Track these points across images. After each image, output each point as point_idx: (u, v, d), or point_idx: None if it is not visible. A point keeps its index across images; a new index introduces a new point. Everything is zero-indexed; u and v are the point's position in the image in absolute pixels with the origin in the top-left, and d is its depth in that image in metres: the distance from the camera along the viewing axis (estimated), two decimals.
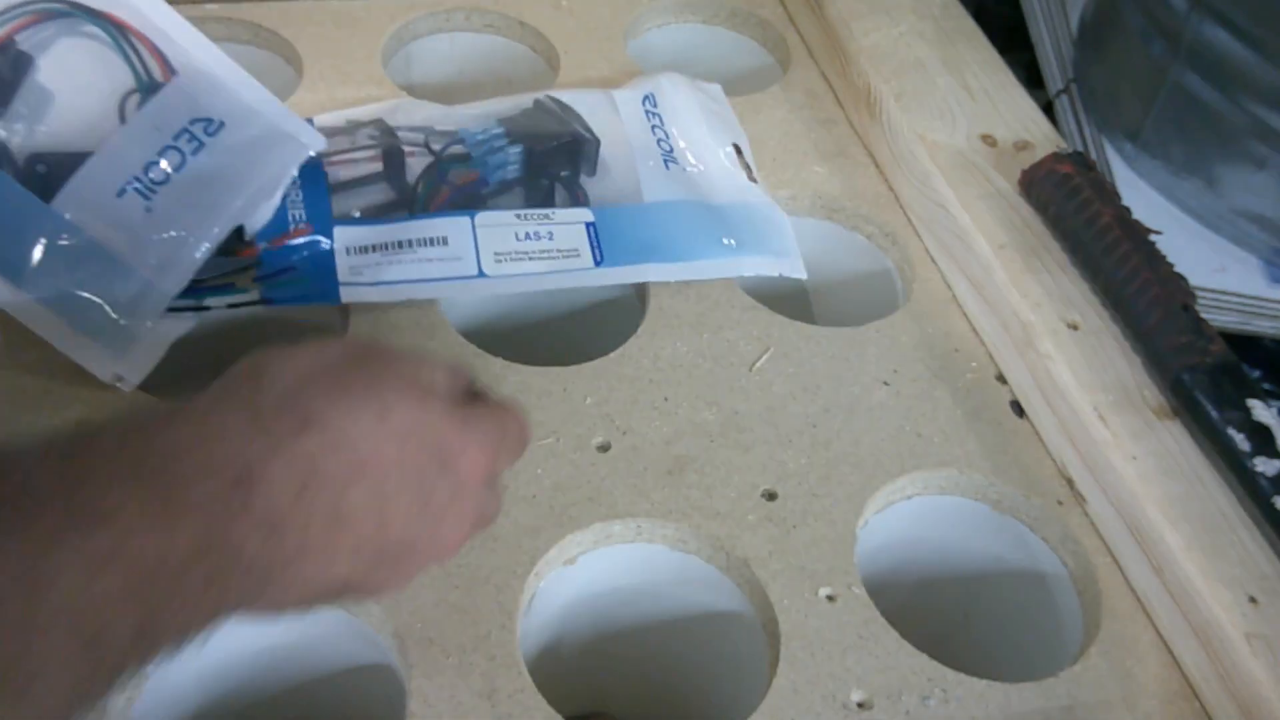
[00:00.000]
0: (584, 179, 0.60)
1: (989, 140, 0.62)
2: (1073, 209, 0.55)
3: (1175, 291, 0.51)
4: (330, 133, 0.58)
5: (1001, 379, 0.56)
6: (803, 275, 0.59)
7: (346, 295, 0.52)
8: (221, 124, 0.52)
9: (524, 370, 0.52)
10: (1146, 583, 0.47)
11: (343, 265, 0.53)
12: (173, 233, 0.50)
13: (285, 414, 0.33)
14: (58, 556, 0.28)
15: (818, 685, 0.43)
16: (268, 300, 0.52)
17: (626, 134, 0.61)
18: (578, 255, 0.56)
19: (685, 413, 0.52)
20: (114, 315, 0.49)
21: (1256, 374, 0.70)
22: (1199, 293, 0.53)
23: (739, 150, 0.63)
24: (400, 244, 0.53)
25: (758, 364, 0.55)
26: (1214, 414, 0.47)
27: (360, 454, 0.34)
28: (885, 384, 0.55)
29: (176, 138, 0.51)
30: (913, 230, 0.63)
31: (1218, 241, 0.71)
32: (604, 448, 0.50)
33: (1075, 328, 0.53)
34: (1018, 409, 0.55)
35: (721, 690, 0.53)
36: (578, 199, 0.59)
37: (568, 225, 0.57)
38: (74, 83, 0.51)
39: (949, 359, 0.57)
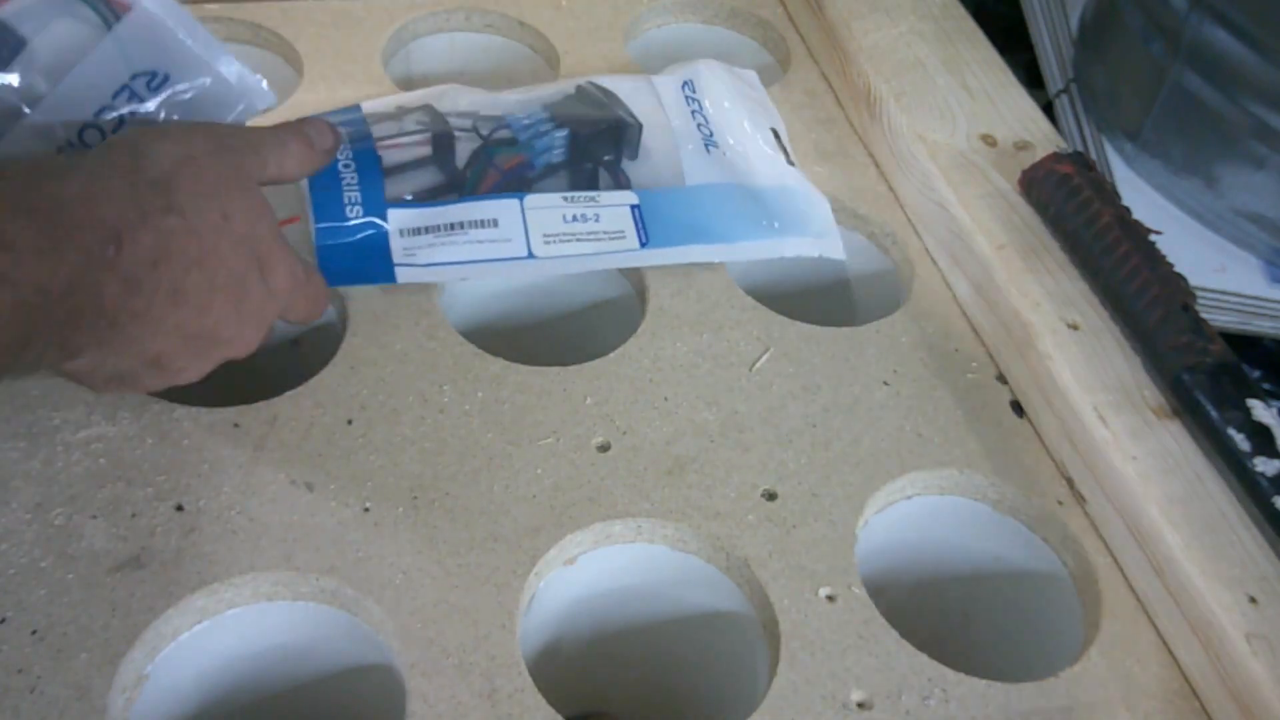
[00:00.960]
0: (626, 163, 0.60)
1: (989, 140, 0.62)
2: (1073, 209, 0.55)
3: (1175, 291, 0.51)
4: (378, 118, 0.59)
5: (1001, 379, 0.56)
6: (842, 256, 0.60)
7: (402, 276, 0.53)
8: (166, 77, 0.50)
9: (524, 370, 0.52)
10: (1146, 583, 0.47)
11: (396, 247, 0.54)
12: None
13: (157, 193, 0.39)
14: None
15: (818, 685, 0.43)
16: (327, 280, 0.52)
17: (668, 118, 0.62)
18: (623, 237, 0.57)
19: (685, 413, 0.52)
20: None
21: (1256, 374, 0.70)
22: (1199, 293, 0.53)
23: (777, 135, 0.64)
24: (452, 226, 0.55)
25: (758, 364, 0.55)
26: (1214, 414, 0.47)
27: (205, 245, 0.41)
28: (885, 384, 0.55)
29: (116, 95, 0.49)
30: (913, 230, 0.63)
31: (1218, 241, 0.71)
32: (604, 448, 0.50)
33: (1075, 328, 0.53)
34: (1018, 409, 0.55)
35: (721, 690, 0.53)
36: (620, 182, 0.60)
37: (613, 208, 0.58)
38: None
39: (949, 359, 0.57)
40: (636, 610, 0.52)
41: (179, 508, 0.45)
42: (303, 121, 0.49)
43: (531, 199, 0.57)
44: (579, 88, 0.62)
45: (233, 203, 0.42)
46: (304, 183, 0.57)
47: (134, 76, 0.49)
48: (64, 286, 0.36)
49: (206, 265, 0.41)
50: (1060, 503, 0.51)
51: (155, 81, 0.49)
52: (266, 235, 0.44)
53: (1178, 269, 0.53)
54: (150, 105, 0.49)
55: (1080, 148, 0.75)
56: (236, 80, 0.51)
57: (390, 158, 0.57)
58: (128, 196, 0.39)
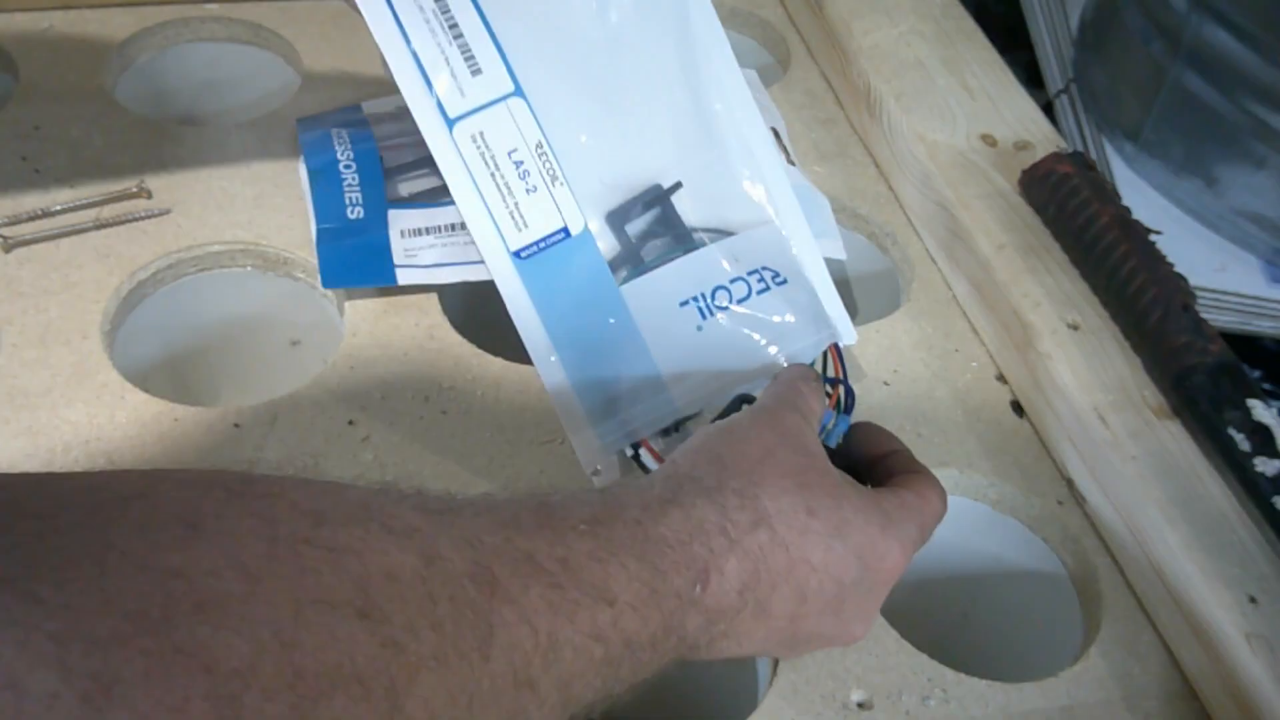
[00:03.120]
0: None
1: (989, 140, 0.62)
2: (1073, 209, 0.55)
3: (1175, 291, 0.51)
4: (379, 118, 0.59)
5: (1001, 379, 0.56)
6: (843, 255, 0.60)
7: (403, 277, 0.53)
8: (785, 280, 0.50)
9: (524, 370, 0.52)
10: (1146, 583, 0.47)
11: (397, 248, 0.53)
12: (707, 364, 0.49)
13: (743, 510, 0.37)
14: (571, 627, 0.31)
15: (818, 685, 0.43)
16: (327, 282, 0.53)
17: None
18: None
19: None
20: (623, 412, 0.48)
21: (1256, 374, 0.70)
22: (1199, 293, 0.53)
23: (777, 134, 0.64)
24: (453, 227, 0.54)
25: None
26: (1214, 414, 0.47)
27: (791, 555, 0.37)
28: (885, 384, 0.55)
29: (750, 273, 0.50)
30: (913, 230, 0.63)
31: (1218, 241, 0.71)
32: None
33: (1075, 328, 0.53)
34: (1018, 409, 0.55)
35: (721, 690, 0.53)
36: None
37: None
38: None
39: (949, 359, 0.57)
40: None
41: None
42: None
43: None
44: None
45: (815, 491, 0.39)
46: (305, 183, 0.57)
47: (764, 267, 0.50)
48: (649, 637, 0.33)
49: (795, 576, 0.37)
50: (1060, 503, 0.51)
51: (779, 279, 0.50)
52: (862, 519, 0.39)
53: (1178, 269, 0.53)
54: (770, 292, 0.50)
55: (1080, 148, 0.75)
56: (832, 311, 0.52)
57: (391, 158, 0.57)
58: (716, 525, 0.36)
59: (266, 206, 0.57)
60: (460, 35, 0.49)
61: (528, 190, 0.50)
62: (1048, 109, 0.79)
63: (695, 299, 0.50)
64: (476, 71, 0.49)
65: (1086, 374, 0.51)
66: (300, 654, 0.24)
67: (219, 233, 0.56)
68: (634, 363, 0.49)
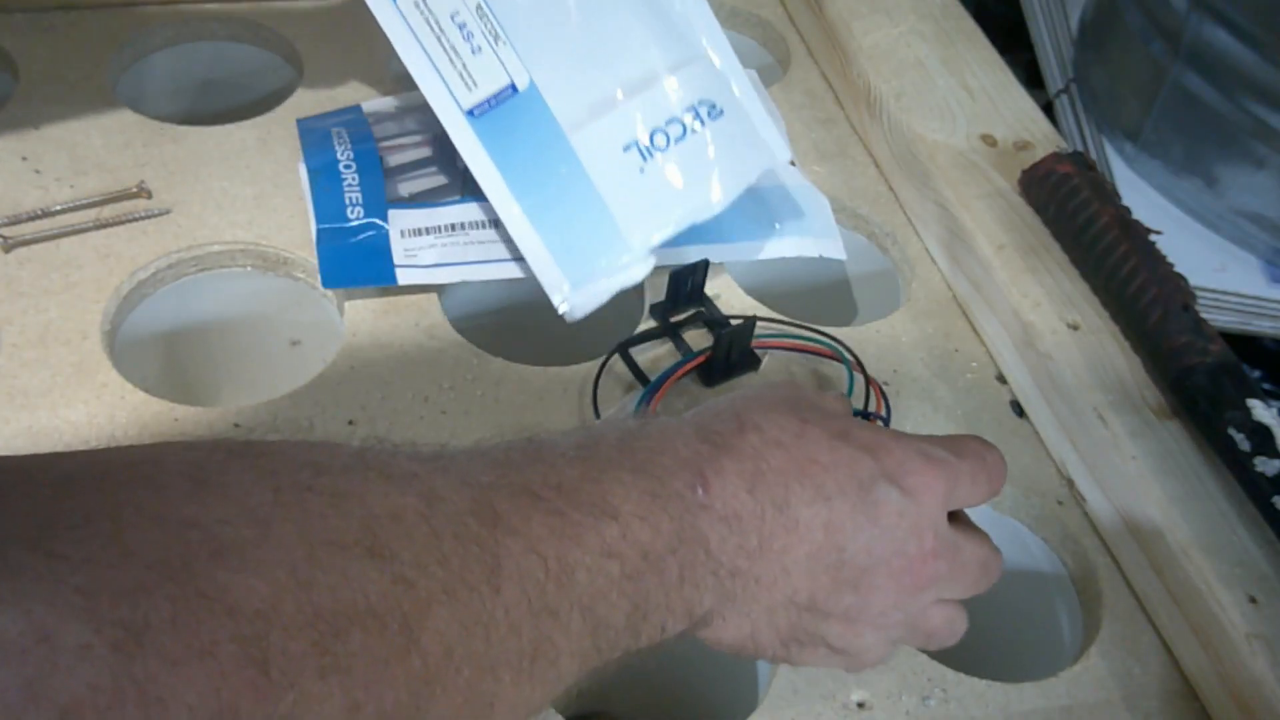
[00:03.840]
0: None
1: (989, 140, 0.62)
2: (1073, 209, 0.55)
3: (1175, 291, 0.51)
4: (379, 118, 0.59)
5: (1001, 379, 0.56)
6: (842, 256, 0.60)
7: (403, 277, 0.53)
8: (722, 113, 0.53)
9: (524, 370, 0.52)
10: (1146, 583, 0.47)
11: (398, 248, 0.54)
12: (654, 203, 0.53)
13: (723, 421, 0.36)
14: (579, 549, 0.31)
15: (818, 685, 0.43)
16: (327, 282, 0.53)
17: None
18: None
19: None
20: (583, 250, 0.52)
21: (1256, 374, 0.70)
22: (1199, 293, 0.53)
23: None
24: (453, 227, 0.55)
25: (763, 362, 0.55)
26: (1214, 414, 0.47)
27: (792, 454, 0.35)
28: (885, 384, 0.55)
29: (687, 110, 0.53)
30: (913, 230, 0.63)
31: (1218, 241, 0.71)
32: None
33: (1075, 328, 0.53)
34: (1018, 409, 0.55)
35: (721, 690, 0.53)
36: None
37: None
38: None
39: (949, 359, 0.57)
40: None
41: None
42: (982, 445, 0.40)
43: None
44: None
45: (807, 412, 0.37)
46: (305, 183, 0.57)
47: (701, 100, 0.53)
48: (664, 546, 0.32)
49: (808, 474, 0.35)
50: (1060, 503, 0.51)
51: (715, 113, 0.53)
52: (861, 432, 0.37)
53: (1178, 269, 0.53)
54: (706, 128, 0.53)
55: (1080, 148, 0.75)
56: (767, 135, 0.55)
57: (391, 158, 0.57)
58: (695, 436, 0.35)
59: (266, 206, 0.57)
60: None
61: (473, 51, 0.52)
62: (1048, 109, 0.79)
63: (635, 144, 0.52)
64: None
65: (1086, 374, 0.50)
66: (317, 593, 0.24)
67: (219, 233, 0.56)
68: (588, 207, 0.52)
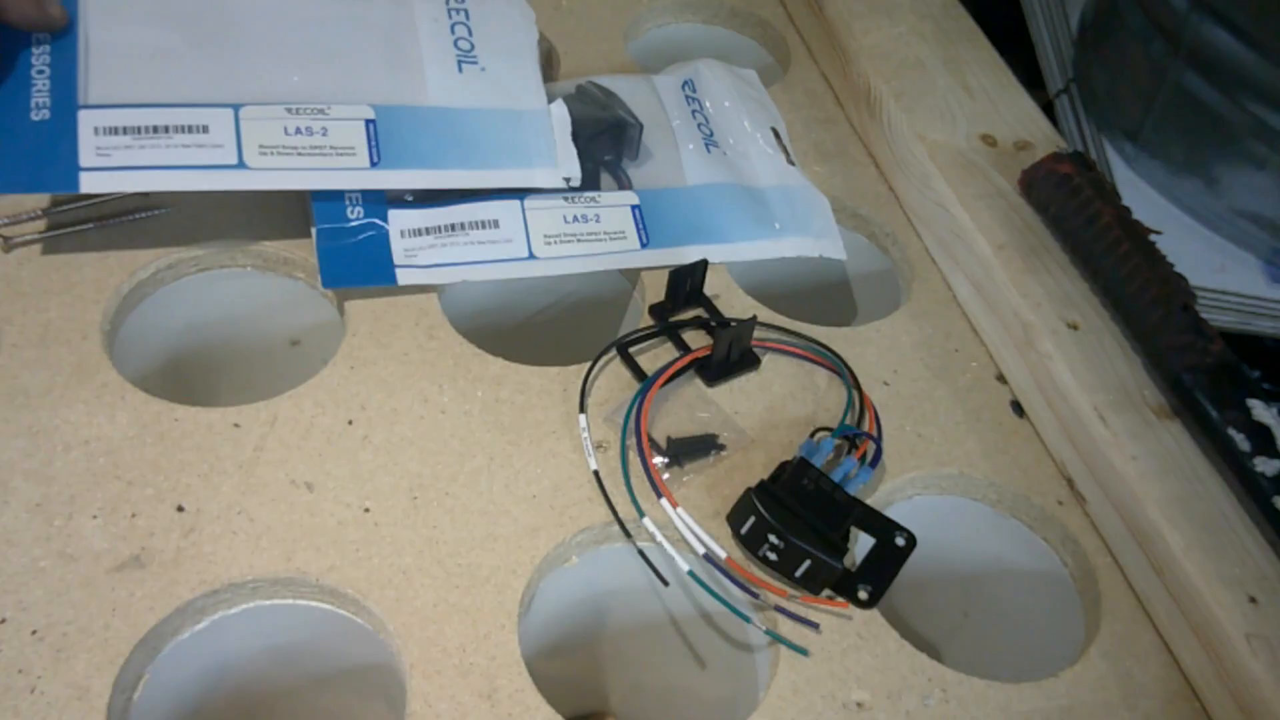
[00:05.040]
0: (627, 163, 0.61)
1: (989, 140, 0.62)
2: (1073, 209, 0.55)
3: (1175, 291, 0.51)
4: None
5: (1001, 379, 0.56)
6: (842, 256, 0.60)
7: (403, 277, 0.53)
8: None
9: (524, 370, 0.52)
10: (1146, 583, 0.47)
11: (397, 248, 0.54)
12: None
13: None
14: None
15: (818, 685, 0.43)
16: (327, 282, 0.53)
17: (668, 118, 0.63)
18: (624, 237, 0.57)
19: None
20: (517, 144, 0.56)
21: (1256, 374, 0.70)
22: (1199, 293, 0.53)
23: (777, 134, 0.64)
24: (453, 227, 0.55)
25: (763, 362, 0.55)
26: (1214, 414, 0.47)
27: None
28: (885, 384, 0.55)
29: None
30: (913, 230, 0.63)
31: (1218, 241, 0.71)
32: (604, 447, 0.50)
33: (1075, 328, 0.53)
34: (1018, 409, 0.55)
35: (721, 690, 0.53)
36: (621, 182, 0.60)
37: (614, 208, 0.58)
38: None
39: (949, 359, 0.57)
40: (636, 610, 0.52)
41: (179, 508, 0.45)
42: None
43: (532, 199, 0.57)
44: (579, 87, 0.62)
45: None
46: None
47: None
48: None
49: None
50: (1060, 503, 0.51)
51: None
52: None
53: (1178, 269, 0.53)
54: None
55: (1080, 148, 0.75)
56: None
57: None
58: None
59: (266, 206, 0.57)
60: None
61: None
62: (1048, 109, 0.79)
63: (454, 59, 0.57)
64: None
65: (1086, 374, 0.51)
66: None
67: (219, 233, 0.56)
68: (489, 124, 0.57)
